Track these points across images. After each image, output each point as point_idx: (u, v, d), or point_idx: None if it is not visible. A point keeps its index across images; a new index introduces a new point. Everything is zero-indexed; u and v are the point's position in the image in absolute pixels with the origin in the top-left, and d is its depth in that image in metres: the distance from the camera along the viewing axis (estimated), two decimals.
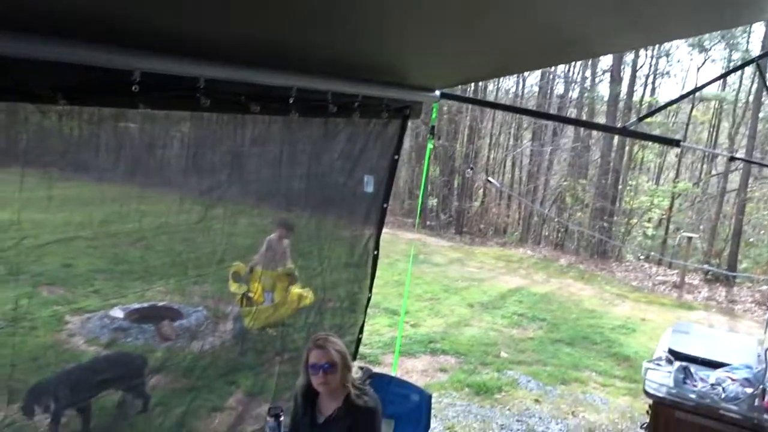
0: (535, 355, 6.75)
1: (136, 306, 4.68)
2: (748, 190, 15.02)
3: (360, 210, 4.10)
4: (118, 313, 4.93)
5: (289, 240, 5.18)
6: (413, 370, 5.97)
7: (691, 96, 16.51)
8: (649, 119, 16.28)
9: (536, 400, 5.46)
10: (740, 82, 15.87)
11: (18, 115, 2.12)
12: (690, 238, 12.97)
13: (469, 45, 3.25)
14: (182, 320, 4.23)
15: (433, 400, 5.18)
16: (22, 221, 2.23)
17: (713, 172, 16.75)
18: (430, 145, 4.65)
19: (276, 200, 3.47)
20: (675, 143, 3.98)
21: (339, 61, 3.07)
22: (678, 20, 3.30)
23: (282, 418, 2.83)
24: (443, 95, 4.29)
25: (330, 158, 3.69)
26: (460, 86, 16.08)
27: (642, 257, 14.84)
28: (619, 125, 5.42)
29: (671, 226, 16.57)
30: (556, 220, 17.51)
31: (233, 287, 3.81)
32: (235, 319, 3.80)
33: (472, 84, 17.60)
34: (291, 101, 2.97)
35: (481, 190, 18.64)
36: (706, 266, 13.68)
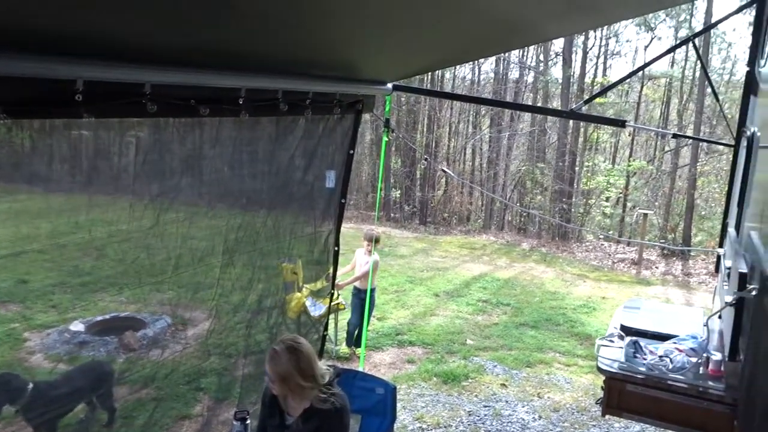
0: (501, 340, 6.87)
1: (98, 318, 4.59)
2: (700, 164, 15.53)
3: (318, 206, 4.10)
4: (78, 326, 4.82)
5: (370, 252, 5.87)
6: (381, 364, 6.02)
7: (640, 75, 16.94)
8: (602, 99, 16.64)
9: (502, 385, 5.57)
10: (686, 59, 16.31)
11: None
12: (646, 215, 13.34)
13: (418, 37, 3.28)
14: (145, 329, 4.17)
15: (401, 392, 5.25)
16: None
17: (666, 149, 17.24)
18: (385, 138, 4.68)
19: (232, 201, 3.44)
20: (621, 124, 4.10)
21: (288, 59, 3.06)
22: (617, 2, 3.40)
23: (248, 421, 2.83)
24: (395, 87, 4.32)
25: (284, 156, 3.68)
26: (417, 77, 16.04)
27: (602, 236, 15.20)
28: (572, 108, 5.56)
29: (628, 204, 17.01)
30: (517, 205, 17.78)
31: None
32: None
33: (429, 73, 17.70)
34: (241, 102, 2.96)
35: (444, 179, 18.78)
36: (659, 243, 14.10)
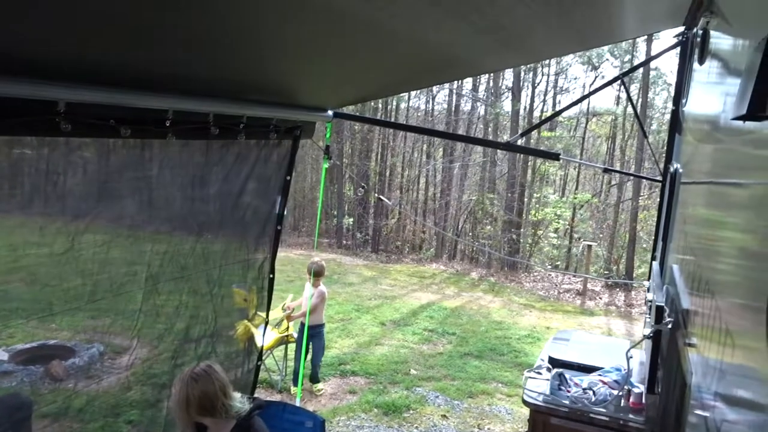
0: (444, 370, 6.83)
1: (25, 346, 4.33)
2: (642, 198, 16.04)
3: (252, 233, 4.01)
4: (1, 355, 4.54)
5: (313, 285, 5.73)
6: (322, 394, 5.88)
7: (586, 112, 17.57)
8: (552, 133, 17.15)
9: (443, 416, 5.51)
10: (627, 97, 16.93)
11: None
12: (590, 246, 13.65)
13: (357, 65, 3.28)
14: (74, 358, 3.95)
15: (340, 423, 5.13)
16: None
17: (613, 182, 17.76)
18: (325, 165, 4.64)
19: (157, 225, 3.32)
20: (555, 157, 4.18)
21: (220, 82, 3.00)
22: (545, 41, 3.49)
23: None
24: (336, 114, 4.31)
25: (216, 181, 3.59)
26: (371, 106, 16.11)
27: (549, 267, 15.45)
28: (508, 140, 5.66)
29: (575, 236, 17.38)
30: (469, 237, 17.95)
31: None
32: None
33: (382, 103, 17.88)
34: (168, 124, 2.88)
35: (397, 208, 18.85)
36: (601, 275, 14.43)
